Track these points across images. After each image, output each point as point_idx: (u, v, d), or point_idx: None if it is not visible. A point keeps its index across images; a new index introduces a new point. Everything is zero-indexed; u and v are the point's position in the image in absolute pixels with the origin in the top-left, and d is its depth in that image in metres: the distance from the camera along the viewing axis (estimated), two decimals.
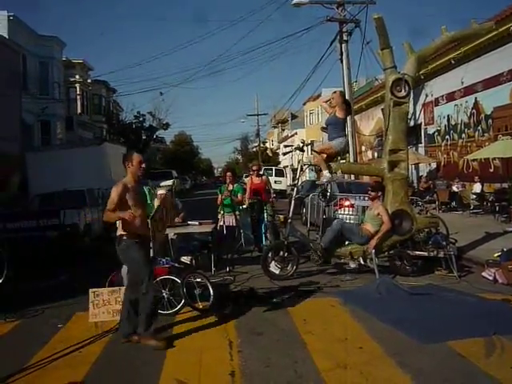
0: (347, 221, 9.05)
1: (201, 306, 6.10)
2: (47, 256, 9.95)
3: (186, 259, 8.02)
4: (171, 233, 8.08)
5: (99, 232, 13.03)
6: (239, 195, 9.48)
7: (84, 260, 10.44)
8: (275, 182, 29.95)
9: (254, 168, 10.45)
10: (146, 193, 5.51)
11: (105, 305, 6.05)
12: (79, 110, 34.85)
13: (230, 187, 9.45)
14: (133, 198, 5.06)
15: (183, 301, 6.08)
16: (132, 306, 5.15)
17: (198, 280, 6.37)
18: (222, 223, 9.23)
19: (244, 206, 9.92)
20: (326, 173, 8.08)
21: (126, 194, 4.99)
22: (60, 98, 29.96)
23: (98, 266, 8.59)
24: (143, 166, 5.22)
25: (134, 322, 5.13)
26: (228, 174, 9.75)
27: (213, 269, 8.22)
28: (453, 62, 18.97)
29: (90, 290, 6.14)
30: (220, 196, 9.44)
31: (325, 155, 8.12)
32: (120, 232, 5.11)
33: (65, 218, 10.85)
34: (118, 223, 5.16)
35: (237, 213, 9.55)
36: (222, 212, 9.40)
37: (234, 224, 9.45)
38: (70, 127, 31.95)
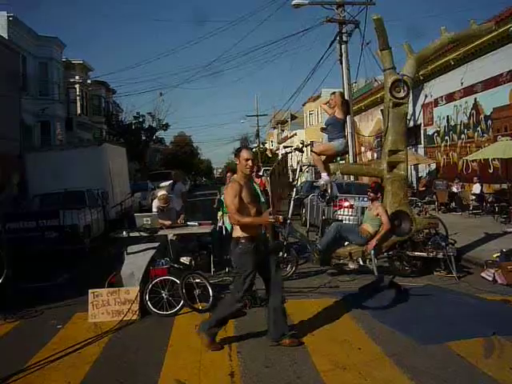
0: (347, 221, 9.07)
1: (200, 307, 6.11)
2: (47, 257, 9.95)
3: (185, 260, 8.03)
4: (170, 233, 8.09)
5: (99, 233, 13.06)
6: None
7: (83, 261, 10.45)
8: None
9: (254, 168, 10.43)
10: (258, 190, 5.08)
11: (104, 305, 6.06)
12: (79, 111, 34.82)
13: None
14: (247, 196, 4.84)
15: (182, 301, 6.10)
16: (275, 312, 4.95)
17: (198, 281, 6.38)
18: (221, 224, 9.21)
19: None
20: (324, 175, 8.08)
21: (241, 191, 4.80)
22: (60, 98, 29.95)
23: (97, 267, 8.58)
24: (249, 162, 4.91)
25: (281, 326, 4.95)
26: (228, 174, 9.77)
27: (212, 269, 8.22)
28: (452, 62, 18.99)
29: (90, 291, 6.15)
30: (218, 197, 9.43)
31: (324, 156, 8.11)
32: (238, 234, 4.88)
33: (64, 218, 10.87)
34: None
35: None
36: (221, 213, 9.38)
37: None
38: (70, 128, 31.94)
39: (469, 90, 18.53)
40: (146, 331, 5.63)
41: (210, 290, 6.25)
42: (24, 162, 16.94)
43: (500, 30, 15.27)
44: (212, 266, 8.27)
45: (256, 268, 4.92)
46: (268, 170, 32.87)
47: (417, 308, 6.05)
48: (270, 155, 57.67)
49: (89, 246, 11.92)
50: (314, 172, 24.35)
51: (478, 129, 18.13)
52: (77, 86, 34.49)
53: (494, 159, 16.43)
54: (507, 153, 14.04)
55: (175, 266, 6.95)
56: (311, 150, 8.64)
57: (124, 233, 7.41)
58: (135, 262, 6.61)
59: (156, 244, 7.02)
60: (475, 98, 18.19)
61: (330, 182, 8.38)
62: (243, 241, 4.84)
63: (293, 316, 5.87)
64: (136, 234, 7.47)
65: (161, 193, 9.12)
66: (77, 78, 34.33)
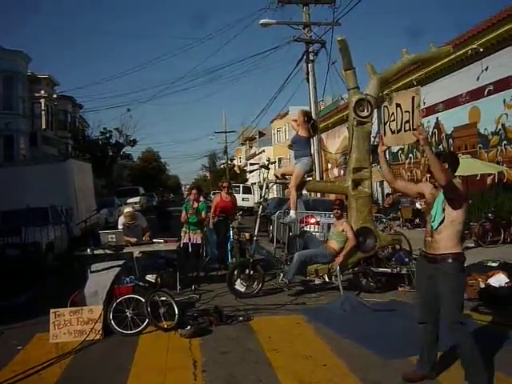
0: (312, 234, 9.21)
1: (165, 325, 6.03)
2: (8, 275, 9.65)
3: (150, 277, 7.95)
4: (136, 251, 8.00)
5: (62, 250, 12.78)
6: (203, 213, 9.41)
7: (46, 279, 10.18)
8: (243, 199, 30.04)
9: (225, 185, 10.43)
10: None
11: (66, 325, 5.92)
12: (44, 126, 34.24)
13: (195, 205, 9.38)
14: (430, 199, 4.51)
15: (147, 320, 6.02)
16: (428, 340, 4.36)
17: (163, 299, 6.32)
18: (185, 240, 9.06)
19: (210, 226, 9.87)
20: (292, 213, 8.23)
21: (427, 189, 4.66)
22: (24, 113, 29.40)
23: (60, 286, 8.39)
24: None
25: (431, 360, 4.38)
26: (193, 191, 9.71)
27: (178, 287, 8.16)
28: (415, 83, 19.52)
29: (51, 311, 6.00)
30: (183, 213, 9.32)
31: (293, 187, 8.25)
32: None
33: (26, 235, 10.59)
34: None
35: (204, 229, 9.54)
36: (186, 230, 9.20)
37: (200, 242, 9.41)
38: (34, 143, 31.37)
39: (431, 110, 19.11)
40: (110, 351, 5.52)
41: (176, 308, 6.19)
42: None
43: (458, 53, 15.86)
44: (178, 283, 8.20)
45: (422, 292, 4.39)
46: (236, 186, 33.08)
47: (381, 323, 6.13)
48: (238, 171, 57.84)
49: (52, 263, 11.65)
50: (281, 189, 24.52)
51: (440, 147, 18.68)
52: (42, 100, 33.95)
53: (454, 177, 16.88)
54: (467, 170, 14.47)
55: (140, 284, 6.88)
56: (281, 175, 8.83)
57: (88, 250, 7.31)
58: (99, 280, 6.50)
59: (121, 262, 6.94)
60: (437, 118, 18.79)
61: (294, 220, 8.60)
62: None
63: (259, 333, 5.88)
64: (101, 251, 7.38)
65: (127, 209, 9.02)
66: (42, 92, 33.81)
